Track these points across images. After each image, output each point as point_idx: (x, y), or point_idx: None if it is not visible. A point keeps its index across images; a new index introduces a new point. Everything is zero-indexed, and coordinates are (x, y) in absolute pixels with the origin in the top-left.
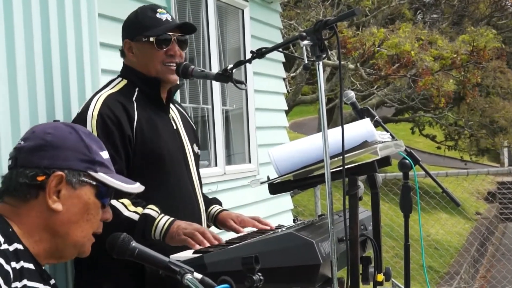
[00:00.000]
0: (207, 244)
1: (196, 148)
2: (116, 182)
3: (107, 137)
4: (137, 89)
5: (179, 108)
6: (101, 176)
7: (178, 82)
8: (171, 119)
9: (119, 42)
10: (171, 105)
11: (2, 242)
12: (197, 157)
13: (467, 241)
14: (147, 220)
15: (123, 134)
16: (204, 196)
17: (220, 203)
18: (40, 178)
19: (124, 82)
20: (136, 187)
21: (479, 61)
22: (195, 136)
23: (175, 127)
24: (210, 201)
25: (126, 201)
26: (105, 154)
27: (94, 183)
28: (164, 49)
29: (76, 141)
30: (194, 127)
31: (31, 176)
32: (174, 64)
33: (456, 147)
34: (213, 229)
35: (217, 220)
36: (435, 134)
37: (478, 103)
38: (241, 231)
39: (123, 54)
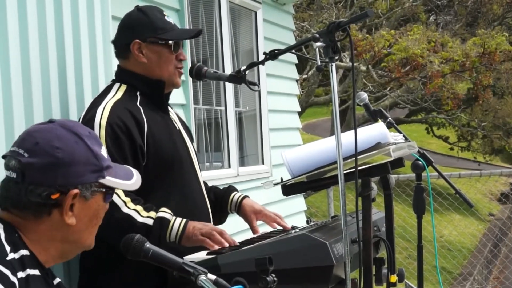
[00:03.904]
0: (226, 245)
1: (194, 146)
2: (121, 183)
3: (117, 147)
4: (138, 93)
5: (172, 108)
6: (109, 180)
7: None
8: (172, 120)
9: None
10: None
11: (8, 251)
12: (197, 155)
13: (480, 242)
14: (162, 223)
15: (134, 144)
16: (215, 187)
17: (237, 190)
18: (54, 197)
19: (124, 87)
20: (135, 180)
21: (490, 64)
22: (191, 134)
23: (177, 128)
24: (228, 189)
25: (138, 207)
26: (104, 151)
27: (104, 190)
28: (176, 53)
29: (85, 152)
30: (188, 126)
31: (45, 195)
32: (182, 68)
33: (469, 148)
34: (227, 226)
35: (241, 208)
36: (448, 135)
37: (491, 104)
38: (257, 232)
39: (123, 55)
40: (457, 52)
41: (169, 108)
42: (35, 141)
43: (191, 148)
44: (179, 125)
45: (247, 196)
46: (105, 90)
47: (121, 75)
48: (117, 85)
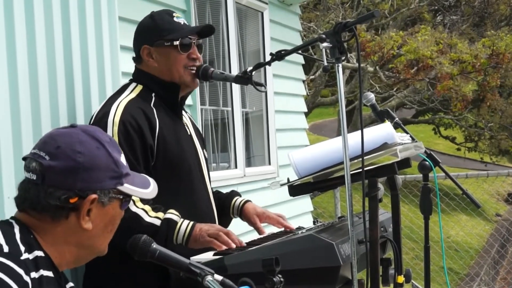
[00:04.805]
0: (233, 245)
1: (205, 152)
2: (138, 191)
3: (129, 145)
4: (153, 94)
5: (187, 112)
6: (127, 188)
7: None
8: (185, 125)
9: None
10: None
11: (22, 251)
12: (207, 161)
13: (487, 242)
14: (169, 224)
15: (145, 143)
16: (219, 192)
17: (240, 194)
18: (72, 200)
19: (140, 87)
20: (152, 189)
21: (500, 64)
22: (203, 139)
23: (189, 133)
24: (230, 194)
25: (146, 207)
26: (123, 158)
27: (121, 197)
28: (187, 53)
29: (106, 158)
30: (200, 130)
31: (64, 199)
32: (195, 68)
33: (476, 149)
34: (234, 227)
35: (243, 212)
36: (455, 135)
37: (498, 105)
38: (263, 232)
39: (137, 60)
40: (466, 52)
41: (184, 112)
42: (57, 145)
43: (201, 154)
44: (191, 130)
45: (249, 201)
46: (120, 88)
47: (138, 76)
48: (133, 84)
